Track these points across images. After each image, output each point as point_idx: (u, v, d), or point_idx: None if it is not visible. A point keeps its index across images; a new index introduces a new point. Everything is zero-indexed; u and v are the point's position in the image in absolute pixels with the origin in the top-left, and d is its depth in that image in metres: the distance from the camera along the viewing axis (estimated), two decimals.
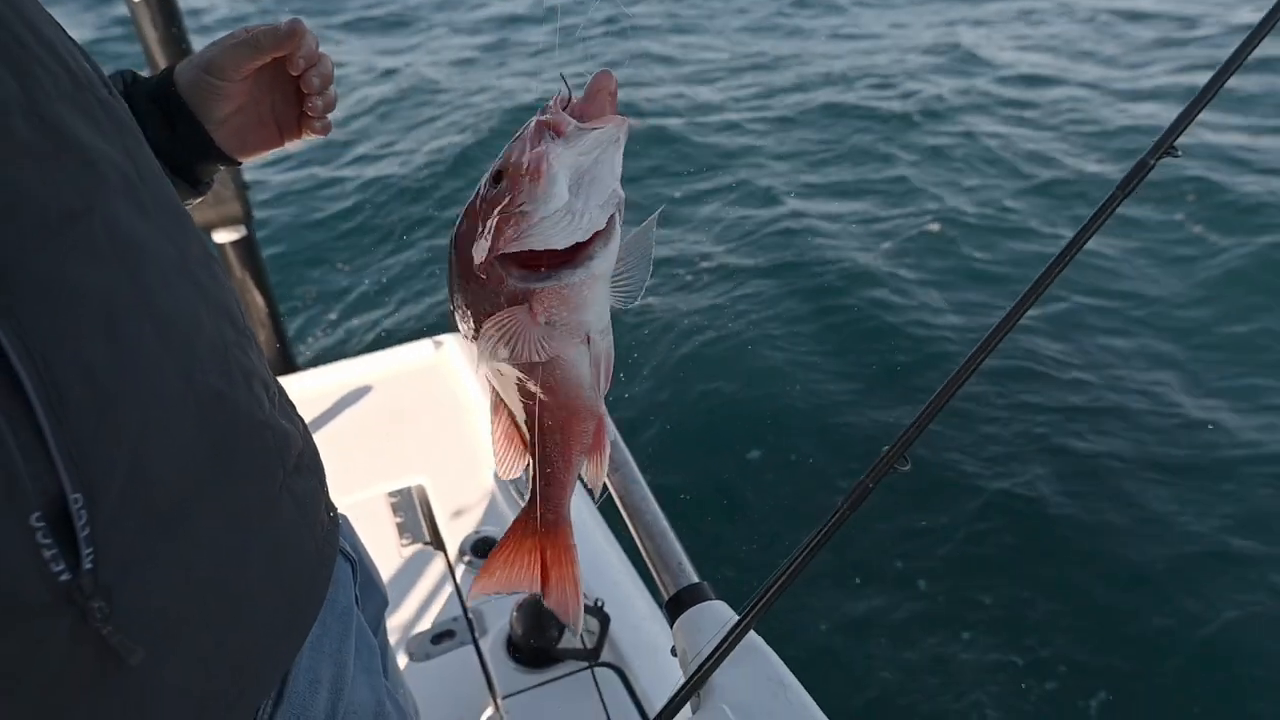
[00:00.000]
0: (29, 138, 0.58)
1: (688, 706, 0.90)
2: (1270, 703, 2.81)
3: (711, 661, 0.88)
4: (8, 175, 0.56)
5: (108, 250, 0.61)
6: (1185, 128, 0.72)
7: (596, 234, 0.71)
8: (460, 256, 0.73)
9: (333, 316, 5.27)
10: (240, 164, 0.95)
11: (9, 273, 0.55)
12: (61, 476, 0.55)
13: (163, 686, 0.64)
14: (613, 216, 0.72)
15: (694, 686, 0.89)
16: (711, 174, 6.58)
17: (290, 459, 0.78)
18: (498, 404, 0.82)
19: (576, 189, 0.70)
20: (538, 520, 0.83)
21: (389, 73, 8.94)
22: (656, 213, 0.78)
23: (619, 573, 1.89)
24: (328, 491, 0.87)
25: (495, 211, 0.70)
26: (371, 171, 6.97)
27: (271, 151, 0.95)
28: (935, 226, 5.54)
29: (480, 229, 0.71)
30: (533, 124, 0.71)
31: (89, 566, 0.56)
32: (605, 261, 0.73)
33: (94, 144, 0.64)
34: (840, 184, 6.30)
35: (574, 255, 0.71)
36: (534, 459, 0.81)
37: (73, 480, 0.55)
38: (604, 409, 0.81)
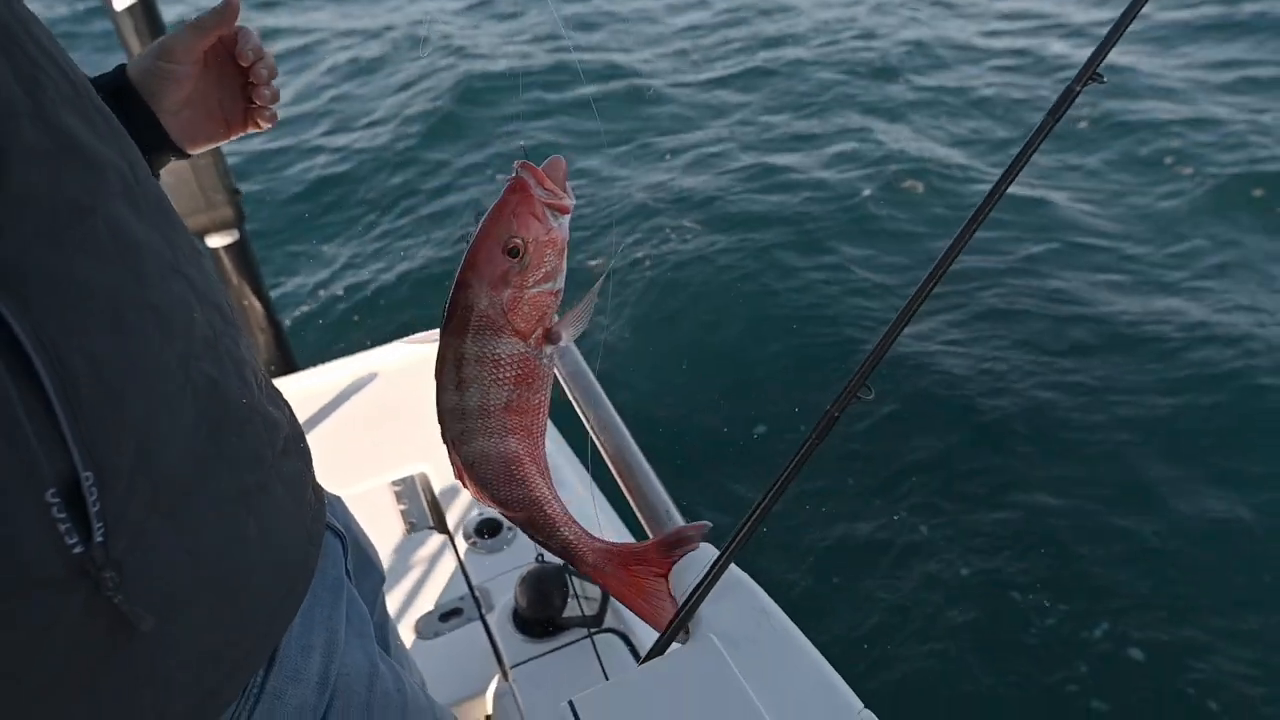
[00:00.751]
0: (37, 141, 0.62)
1: (678, 640, 0.94)
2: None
3: (697, 595, 0.92)
4: (21, 176, 0.60)
5: (110, 248, 0.65)
6: (1106, 54, 0.76)
7: None
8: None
9: (317, 291, 5.28)
10: (189, 156, 1.01)
11: (23, 268, 0.59)
12: (74, 457, 0.59)
13: (169, 655, 0.68)
14: None
15: (682, 620, 0.93)
16: (692, 131, 6.61)
17: (278, 443, 0.82)
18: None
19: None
20: (595, 559, 0.95)
21: (361, 39, 8.90)
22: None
23: (614, 539, 1.94)
24: (314, 474, 0.92)
25: (536, 288, 0.83)
26: (345, 141, 6.98)
27: (217, 143, 1.03)
28: (918, 187, 5.57)
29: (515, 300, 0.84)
30: (535, 202, 0.82)
31: (99, 540, 0.60)
32: None
33: (94, 147, 0.67)
34: (820, 137, 6.32)
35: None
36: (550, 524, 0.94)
37: (84, 460, 0.59)
38: None
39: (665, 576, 0.93)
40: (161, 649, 0.67)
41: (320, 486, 0.94)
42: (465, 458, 0.88)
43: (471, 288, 0.82)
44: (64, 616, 0.60)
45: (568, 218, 0.83)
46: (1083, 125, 5.98)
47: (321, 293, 5.25)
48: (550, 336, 0.84)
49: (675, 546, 0.93)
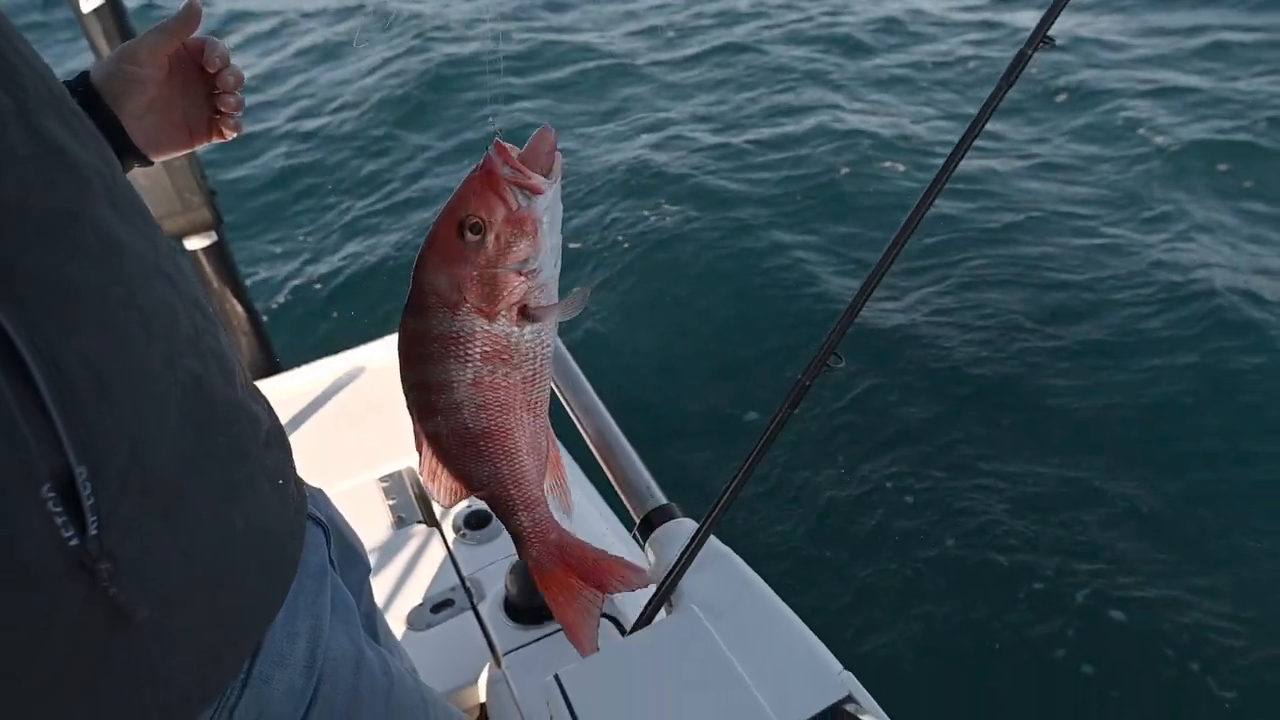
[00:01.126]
0: (25, 146, 0.63)
1: (662, 611, 0.96)
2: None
3: (679, 568, 0.93)
4: (14, 179, 0.61)
5: (97, 250, 0.66)
6: (1055, 18, 0.77)
7: None
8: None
9: (291, 282, 5.25)
10: (152, 163, 1.01)
11: (22, 269, 0.60)
12: (68, 454, 0.60)
13: (169, 654, 0.69)
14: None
15: (665, 593, 0.94)
16: (668, 109, 6.60)
17: (260, 436, 0.84)
18: (423, 448, 0.90)
19: (553, 236, 0.83)
20: (540, 553, 0.90)
21: (330, 20, 8.82)
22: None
23: (595, 521, 1.95)
24: (295, 467, 0.93)
25: (499, 268, 0.81)
26: (315, 125, 6.92)
27: (181, 152, 1.03)
28: (893, 162, 5.58)
29: (477, 281, 0.82)
30: (499, 181, 0.80)
31: (94, 533, 0.61)
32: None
33: (76, 151, 0.68)
34: (795, 114, 6.33)
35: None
36: (507, 493, 0.89)
37: (78, 457, 0.60)
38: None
39: (602, 593, 0.89)
40: (160, 648, 0.68)
41: (301, 479, 0.95)
42: (427, 430, 0.88)
43: (428, 265, 0.82)
44: (64, 614, 0.61)
45: (542, 197, 0.80)
46: (1062, 98, 6.02)
47: (296, 283, 5.22)
48: (529, 316, 0.83)
49: (615, 576, 0.89)
